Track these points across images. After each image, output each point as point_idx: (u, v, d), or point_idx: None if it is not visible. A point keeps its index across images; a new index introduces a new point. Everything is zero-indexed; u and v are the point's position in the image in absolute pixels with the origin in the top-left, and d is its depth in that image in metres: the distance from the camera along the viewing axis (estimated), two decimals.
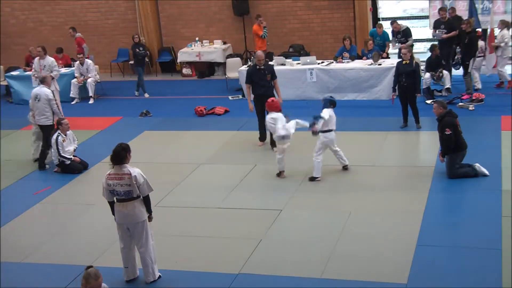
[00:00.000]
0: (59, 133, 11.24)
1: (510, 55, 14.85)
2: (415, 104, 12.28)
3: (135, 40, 16.48)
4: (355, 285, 7.19)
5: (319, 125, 10.00)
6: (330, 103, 10.26)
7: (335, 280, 7.30)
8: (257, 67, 11.83)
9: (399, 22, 15.72)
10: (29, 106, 12.03)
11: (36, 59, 14.40)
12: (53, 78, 14.26)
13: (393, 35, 15.64)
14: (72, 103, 16.41)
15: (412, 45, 15.34)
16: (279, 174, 10.50)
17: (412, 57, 12.36)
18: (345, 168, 10.48)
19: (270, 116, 10.39)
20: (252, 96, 12.07)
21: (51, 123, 11.69)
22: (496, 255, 7.52)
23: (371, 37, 15.73)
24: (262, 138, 12.14)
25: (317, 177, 10.18)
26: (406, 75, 12.07)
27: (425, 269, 7.37)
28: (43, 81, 12.00)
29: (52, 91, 14.04)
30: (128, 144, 7.48)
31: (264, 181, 10.50)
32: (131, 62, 18.86)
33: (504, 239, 7.85)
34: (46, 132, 11.68)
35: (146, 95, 16.52)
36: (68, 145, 11.33)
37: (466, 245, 7.86)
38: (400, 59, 12.67)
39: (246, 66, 15.71)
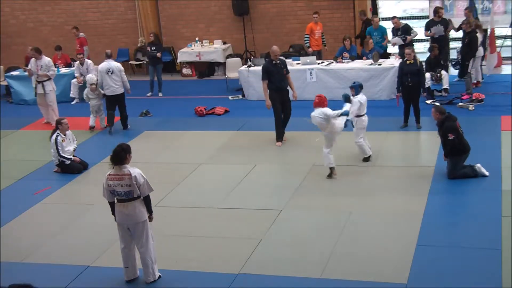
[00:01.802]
0: (58, 133, 11.22)
1: (482, 55, 14.82)
2: (418, 103, 12.29)
3: (150, 38, 16.42)
4: (355, 285, 7.19)
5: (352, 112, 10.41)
6: (360, 87, 10.56)
7: (335, 280, 7.30)
8: (273, 62, 11.87)
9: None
10: (88, 83, 13.66)
11: (32, 59, 14.39)
12: (50, 78, 14.28)
13: (393, 33, 15.60)
14: (72, 103, 16.41)
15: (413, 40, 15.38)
16: (331, 173, 10.25)
17: (415, 57, 12.38)
18: (365, 159, 10.72)
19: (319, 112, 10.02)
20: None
21: (123, 90, 13.42)
22: (496, 255, 7.52)
23: (368, 35, 15.72)
24: (280, 137, 12.09)
25: (369, 155, 10.57)
26: (411, 74, 12.07)
27: (425, 269, 7.37)
28: (110, 56, 13.73)
29: (50, 91, 14.12)
30: (128, 144, 7.48)
31: (264, 181, 10.50)
32: (133, 62, 18.92)
33: (504, 239, 7.85)
34: (121, 99, 13.45)
35: (149, 94, 16.52)
36: (68, 145, 11.32)
37: (466, 245, 7.86)
38: (403, 60, 12.65)
39: (246, 66, 15.71)
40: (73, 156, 11.40)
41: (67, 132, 11.35)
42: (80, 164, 11.45)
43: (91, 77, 13.75)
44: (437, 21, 14.96)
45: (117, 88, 13.31)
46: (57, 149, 11.17)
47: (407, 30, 15.39)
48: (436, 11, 15.06)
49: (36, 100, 14.70)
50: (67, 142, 11.31)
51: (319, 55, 15.98)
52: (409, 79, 12.08)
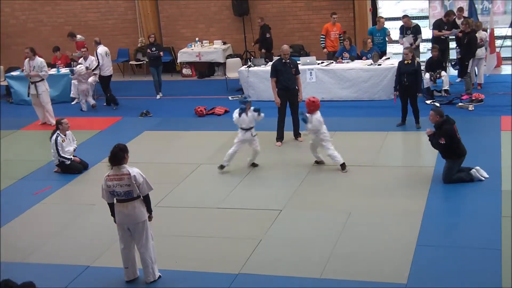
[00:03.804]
0: (58, 133, 11.22)
1: (484, 56, 14.83)
2: (416, 104, 12.31)
3: (151, 39, 16.36)
4: (355, 285, 7.19)
5: None
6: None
7: (335, 280, 7.30)
8: (283, 60, 11.86)
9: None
10: (84, 68, 15.47)
11: (26, 60, 14.37)
12: (42, 79, 14.27)
13: (401, 32, 15.49)
14: (72, 103, 16.41)
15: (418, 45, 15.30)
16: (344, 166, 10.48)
17: (414, 57, 12.37)
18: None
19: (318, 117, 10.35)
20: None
21: None
22: (496, 255, 7.52)
23: (370, 35, 15.68)
24: (280, 137, 12.09)
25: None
26: (407, 74, 12.13)
27: (425, 269, 7.37)
28: (100, 42, 15.86)
29: (43, 92, 14.11)
30: (125, 144, 7.48)
31: (264, 181, 10.50)
32: (133, 62, 18.94)
33: (504, 239, 7.85)
34: (110, 79, 15.84)
35: (160, 95, 16.44)
36: (68, 145, 11.32)
37: (466, 245, 7.86)
38: (401, 59, 12.68)
39: (246, 66, 15.71)
40: (73, 156, 11.40)
41: (67, 132, 11.35)
42: (80, 164, 11.45)
43: (82, 66, 15.56)
44: (445, 23, 14.95)
45: (111, 70, 15.75)
46: (57, 149, 11.17)
47: (417, 30, 15.25)
48: (448, 14, 15.03)
49: (31, 101, 14.68)
50: (67, 143, 11.30)
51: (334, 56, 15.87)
52: (405, 79, 12.12)
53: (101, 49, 15.48)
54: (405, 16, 15.45)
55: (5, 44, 19.85)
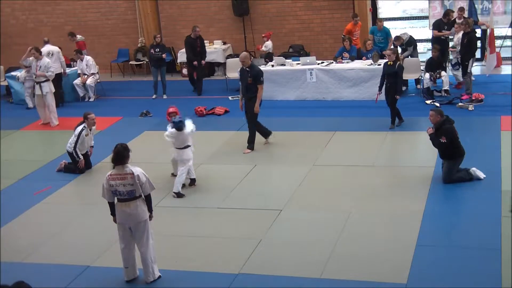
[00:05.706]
0: (85, 126, 11.15)
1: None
2: (393, 105, 12.31)
3: (157, 40, 16.24)
4: (355, 285, 7.19)
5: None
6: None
7: (335, 280, 7.31)
8: (243, 67, 11.76)
9: (400, 33, 15.47)
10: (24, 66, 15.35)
11: (31, 59, 14.39)
12: (48, 80, 14.29)
13: (394, 45, 15.37)
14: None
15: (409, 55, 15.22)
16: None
17: (397, 58, 12.34)
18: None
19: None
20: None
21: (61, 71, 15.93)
22: (496, 255, 7.53)
23: (371, 35, 15.65)
24: (267, 134, 12.09)
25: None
26: (388, 76, 12.26)
27: (424, 269, 7.37)
28: (48, 41, 16.09)
29: (47, 93, 14.12)
30: (127, 144, 7.49)
31: (264, 181, 10.51)
32: (132, 63, 18.92)
33: (504, 239, 7.85)
34: (60, 78, 15.71)
35: (154, 97, 16.38)
36: (89, 141, 11.26)
37: (466, 245, 7.87)
38: (386, 60, 12.71)
39: None
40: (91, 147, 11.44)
41: (92, 127, 11.33)
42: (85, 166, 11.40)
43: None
44: (445, 22, 14.94)
45: (57, 69, 15.34)
46: (77, 141, 11.08)
47: (409, 43, 15.15)
48: (447, 13, 15.01)
49: (35, 101, 14.68)
50: (89, 138, 11.26)
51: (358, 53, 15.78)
52: (386, 80, 12.29)
53: (45, 49, 15.38)
54: (397, 39, 14.97)
55: (5, 44, 19.84)
